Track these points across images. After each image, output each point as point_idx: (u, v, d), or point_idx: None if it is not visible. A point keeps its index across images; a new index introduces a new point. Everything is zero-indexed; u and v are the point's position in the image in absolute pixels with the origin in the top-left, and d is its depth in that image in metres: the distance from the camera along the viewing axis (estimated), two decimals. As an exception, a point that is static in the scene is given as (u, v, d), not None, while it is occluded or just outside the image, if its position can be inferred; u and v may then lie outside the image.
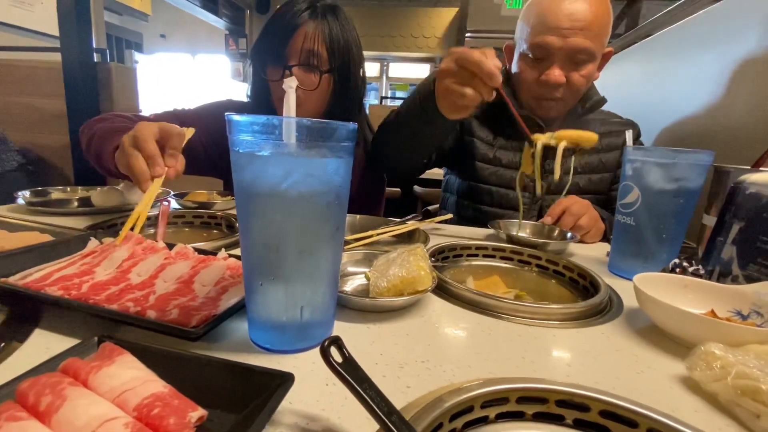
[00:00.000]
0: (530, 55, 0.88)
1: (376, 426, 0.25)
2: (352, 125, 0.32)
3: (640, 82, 1.33)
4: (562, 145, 0.65)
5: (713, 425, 0.29)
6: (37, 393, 0.22)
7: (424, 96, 0.72)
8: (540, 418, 0.29)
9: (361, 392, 0.24)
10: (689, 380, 0.34)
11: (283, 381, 0.26)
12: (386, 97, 5.63)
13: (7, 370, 0.30)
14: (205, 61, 6.93)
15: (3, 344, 0.33)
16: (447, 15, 5.78)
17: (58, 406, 0.22)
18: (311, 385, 0.30)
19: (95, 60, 1.96)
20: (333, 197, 0.32)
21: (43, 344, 0.34)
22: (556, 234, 0.76)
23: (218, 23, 5.99)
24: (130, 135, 0.57)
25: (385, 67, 6.27)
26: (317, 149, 0.31)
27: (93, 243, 0.52)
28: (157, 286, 0.41)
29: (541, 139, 0.67)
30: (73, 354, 0.27)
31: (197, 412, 0.23)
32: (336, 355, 0.25)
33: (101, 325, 0.36)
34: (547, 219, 0.80)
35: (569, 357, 0.37)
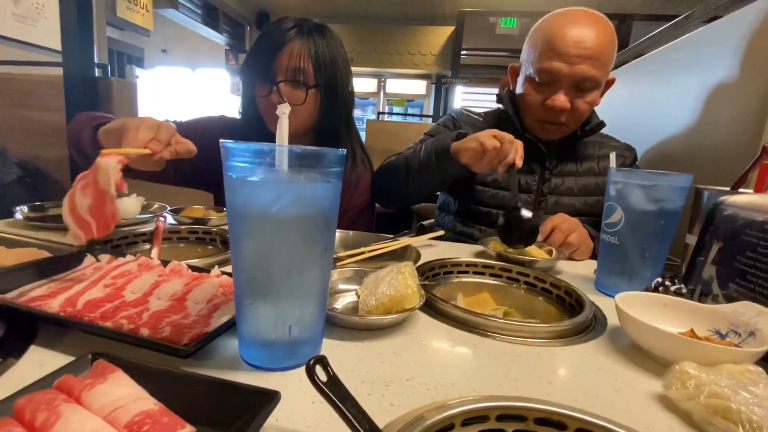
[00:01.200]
0: (536, 79, 0.89)
1: (359, 443, 0.26)
2: (341, 152, 0.34)
3: (627, 103, 1.36)
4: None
5: (685, 442, 0.30)
6: (32, 410, 0.23)
7: (439, 147, 0.82)
8: (519, 435, 0.30)
9: (344, 410, 0.25)
10: (665, 398, 0.35)
11: (269, 399, 0.27)
12: (383, 113, 5.70)
13: (2, 386, 0.31)
14: (205, 76, 7.02)
15: (2, 359, 0.34)
16: (443, 33, 5.91)
17: (53, 422, 0.23)
18: (298, 403, 0.31)
19: (96, 75, 2.00)
20: (321, 220, 0.34)
21: (37, 360, 0.35)
22: (545, 251, 0.78)
23: (219, 39, 6.10)
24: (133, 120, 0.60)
25: (382, 83, 6.37)
26: (307, 174, 0.33)
27: (88, 259, 0.53)
28: (150, 303, 0.42)
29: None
30: (67, 371, 0.28)
31: (186, 430, 0.24)
32: (321, 373, 0.26)
33: (95, 342, 0.37)
34: (539, 237, 0.82)
35: (551, 375, 0.38)
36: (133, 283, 0.45)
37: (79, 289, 0.44)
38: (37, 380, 0.27)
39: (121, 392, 0.26)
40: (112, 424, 0.23)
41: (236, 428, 0.26)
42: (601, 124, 0.97)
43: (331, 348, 0.40)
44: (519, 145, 0.71)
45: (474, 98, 6.38)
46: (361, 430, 0.24)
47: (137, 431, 0.23)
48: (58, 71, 1.92)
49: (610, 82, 0.93)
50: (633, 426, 0.30)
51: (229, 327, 0.38)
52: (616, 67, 1.55)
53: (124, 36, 5.43)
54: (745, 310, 0.43)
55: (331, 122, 0.92)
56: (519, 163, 0.72)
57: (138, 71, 3.00)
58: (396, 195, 0.99)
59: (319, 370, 0.26)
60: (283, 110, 0.39)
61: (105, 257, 0.53)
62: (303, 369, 0.34)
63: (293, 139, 0.81)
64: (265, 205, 0.32)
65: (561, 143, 0.98)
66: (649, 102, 1.21)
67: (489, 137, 0.73)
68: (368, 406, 0.26)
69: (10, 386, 0.30)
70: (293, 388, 0.33)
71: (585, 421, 0.30)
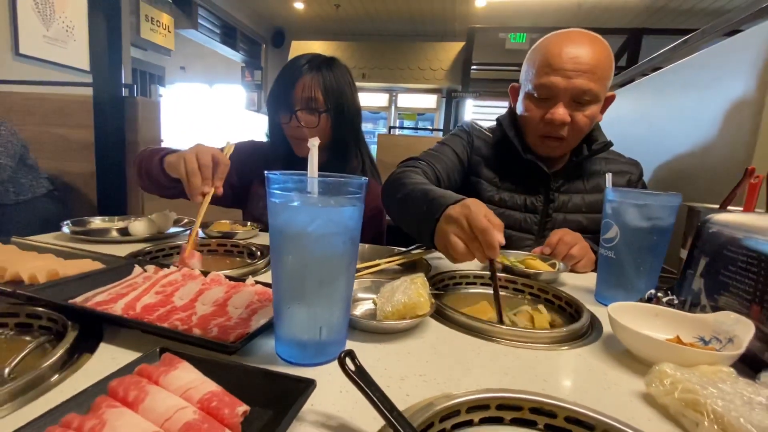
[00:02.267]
0: (535, 95, 0.93)
1: (380, 424, 0.32)
2: (363, 180, 0.40)
3: (634, 119, 1.41)
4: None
5: (658, 428, 0.35)
6: (125, 389, 0.30)
7: (423, 214, 0.70)
8: (516, 422, 0.36)
9: (370, 393, 0.30)
10: (647, 395, 0.40)
11: (307, 386, 0.33)
12: (395, 127, 5.80)
13: (85, 375, 0.38)
14: (221, 91, 7.28)
15: (77, 355, 0.41)
16: (453, 48, 6.04)
17: (143, 398, 0.29)
18: (328, 392, 0.37)
19: (124, 94, 2.12)
20: (348, 237, 0.40)
21: (109, 355, 0.41)
22: (549, 264, 0.82)
23: (235, 56, 6.33)
24: (191, 148, 0.75)
25: (394, 98, 6.50)
26: (336, 199, 0.39)
27: (137, 270, 0.60)
28: (197, 308, 0.48)
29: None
30: (143, 361, 0.34)
31: (243, 407, 0.30)
32: (350, 364, 0.32)
33: (154, 341, 0.43)
34: (546, 249, 0.86)
35: (547, 374, 0.43)
36: (180, 291, 0.52)
37: (135, 295, 0.51)
38: (121, 368, 0.34)
39: (190, 377, 0.32)
40: (187, 401, 0.29)
41: (281, 408, 0.31)
42: (609, 144, 1.00)
43: (353, 348, 0.45)
44: (490, 232, 0.55)
45: (484, 111, 6.47)
46: (383, 409, 0.30)
47: (207, 406, 0.29)
48: (87, 91, 2.05)
49: (610, 99, 0.97)
50: (615, 416, 0.35)
51: (267, 328, 0.44)
52: (626, 83, 1.61)
53: (146, 55, 5.70)
54: (725, 318, 0.48)
55: (341, 138, 1.07)
56: (493, 254, 0.57)
57: (161, 90, 3.15)
58: (400, 223, 0.87)
59: (348, 362, 0.32)
60: (313, 143, 0.46)
61: (151, 268, 0.60)
62: (331, 364, 0.41)
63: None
64: (302, 226, 0.38)
65: (566, 164, 1.02)
66: (653, 120, 1.26)
67: (455, 238, 0.60)
68: (387, 395, 0.32)
69: (91, 376, 0.36)
70: (323, 380, 0.38)
71: (572, 410, 0.35)
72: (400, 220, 0.85)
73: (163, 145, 2.20)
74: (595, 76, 0.88)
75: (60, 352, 0.39)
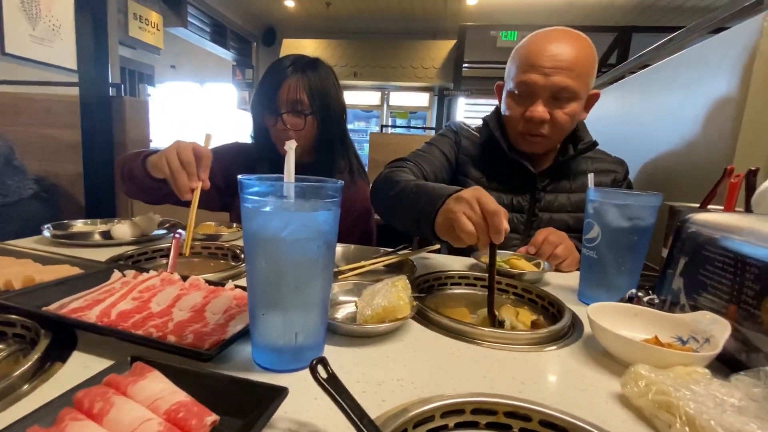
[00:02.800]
0: (516, 93, 0.94)
1: (353, 431, 0.32)
2: (339, 183, 0.40)
3: (620, 118, 1.42)
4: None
5: (632, 430, 0.35)
6: (90, 400, 0.29)
7: (422, 204, 0.70)
8: (491, 427, 0.36)
9: (341, 402, 0.30)
10: (623, 397, 0.40)
11: (279, 393, 0.32)
12: (386, 126, 5.79)
13: (55, 384, 0.37)
14: (212, 90, 7.20)
15: (48, 364, 0.40)
16: (445, 47, 6.03)
17: (108, 410, 0.28)
18: (303, 399, 0.37)
19: (111, 94, 2.09)
20: (323, 242, 0.40)
21: (81, 364, 0.40)
22: (534, 264, 0.82)
23: (226, 55, 6.27)
24: (170, 145, 0.73)
25: (386, 96, 6.48)
26: (310, 203, 0.39)
27: (116, 275, 0.59)
28: (174, 314, 0.48)
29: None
30: (112, 371, 0.34)
31: (212, 417, 0.30)
32: (322, 372, 0.32)
33: (129, 348, 0.43)
34: (531, 249, 0.87)
35: (524, 376, 0.43)
36: (158, 297, 0.51)
37: (111, 301, 0.50)
38: (88, 378, 0.33)
39: (158, 387, 0.31)
40: (154, 412, 0.29)
41: (252, 417, 0.31)
42: (594, 144, 1.00)
43: (331, 353, 0.45)
44: (499, 216, 0.56)
45: (476, 109, 6.48)
46: (353, 416, 0.29)
47: (174, 417, 0.29)
48: (74, 91, 2.02)
49: (594, 97, 0.97)
50: (590, 419, 0.35)
51: (243, 334, 0.44)
52: (614, 81, 1.61)
53: (135, 54, 5.62)
54: (703, 318, 0.48)
55: (328, 140, 1.07)
56: (498, 239, 0.57)
57: (149, 89, 3.12)
58: (392, 221, 0.88)
59: (320, 369, 0.32)
60: (290, 146, 0.45)
61: (130, 273, 0.60)
62: (307, 370, 0.40)
63: (299, 155, 0.91)
64: (276, 231, 0.37)
65: (552, 163, 1.03)
66: (639, 118, 1.27)
67: (464, 217, 0.59)
68: (362, 401, 0.31)
69: (62, 385, 0.36)
70: (299, 387, 0.38)
71: (547, 414, 0.35)
72: (393, 216, 0.85)
73: (152, 145, 2.18)
74: (574, 73, 0.88)
75: (31, 361, 0.38)
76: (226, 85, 6.82)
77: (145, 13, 4.73)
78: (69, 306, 0.49)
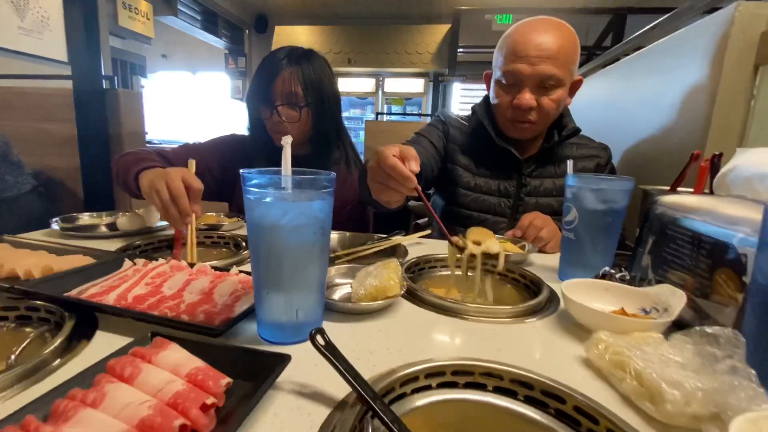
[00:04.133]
0: (503, 81, 0.98)
1: (348, 391, 0.37)
2: (332, 175, 0.44)
3: (605, 104, 1.46)
4: (479, 251, 0.65)
5: (590, 387, 0.40)
6: (121, 366, 0.34)
7: (363, 184, 0.76)
8: (468, 386, 0.41)
9: (336, 363, 0.35)
10: (586, 359, 0.45)
11: (283, 360, 0.37)
12: (382, 113, 5.78)
13: (83, 359, 0.42)
14: (205, 79, 7.13)
15: (75, 342, 0.45)
16: (439, 31, 5.98)
17: (137, 374, 0.33)
18: (304, 366, 0.42)
19: (104, 86, 2.10)
20: (318, 228, 0.44)
21: (105, 341, 0.45)
22: (519, 246, 0.88)
23: (218, 43, 6.19)
24: (158, 175, 0.74)
25: (380, 83, 6.45)
26: (306, 194, 0.43)
27: (127, 263, 0.64)
28: (185, 297, 0.53)
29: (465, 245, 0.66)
30: (136, 344, 0.39)
31: (226, 380, 0.35)
32: (320, 340, 0.37)
33: (147, 327, 0.47)
34: (517, 232, 0.92)
35: (501, 344, 0.49)
36: (169, 282, 0.56)
37: (126, 287, 0.55)
38: (116, 350, 0.38)
39: (178, 355, 0.36)
40: (176, 375, 0.34)
41: (260, 380, 0.36)
42: (577, 130, 1.05)
43: (329, 328, 0.50)
44: (410, 153, 0.60)
45: (471, 94, 6.46)
46: (349, 378, 0.34)
47: (194, 379, 0.33)
48: (67, 84, 2.02)
49: (577, 83, 1.01)
50: (555, 378, 0.40)
51: (249, 313, 0.49)
52: (607, 64, 1.64)
53: (126, 44, 5.55)
54: (664, 291, 0.53)
55: (323, 130, 1.09)
56: (413, 184, 0.59)
57: (143, 81, 3.11)
58: (367, 200, 0.90)
59: (319, 338, 0.37)
60: (286, 141, 0.49)
61: (140, 261, 0.64)
62: (307, 343, 0.45)
63: (295, 147, 0.96)
64: (275, 219, 0.42)
65: (538, 150, 1.07)
66: (623, 104, 1.31)
67: (379, 189, 0.65)
68: (356, 366, 0.36)
69: (90, 359, 0.40)
70: (300, 356, 0.43)
71: (516, 373, 0.40)
72: (367, 198, 0.86)
73: (148, 137, 2.20)
74: (559, 61, 0.92)
75: (60, 339, 0.43)
76: (218, 74, 6.75)
77: (135, 2, 4.66)
78: (87, 292, 0.53)
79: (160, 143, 2.43)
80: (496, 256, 0.64)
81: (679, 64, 0.99)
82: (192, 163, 0.81)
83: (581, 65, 1.83)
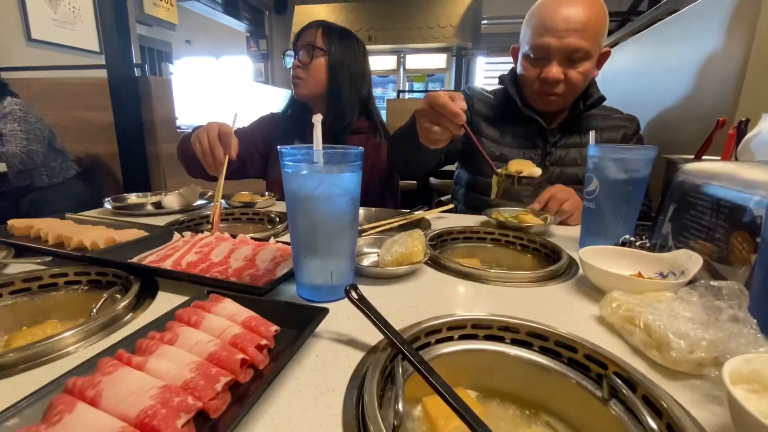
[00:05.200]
0: (531, 56, 0.99)
1: (379, 338, 0.42)
2: (360, 149, 0.48)
3: (633, 74, 1.41)
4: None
5: (603, 341, 0.44)
6: (187, 315, 0.40)
7: (409, 129, 0.85)
8: (487, 338, 0.45)
9: (369, 314, 0.40)
10: (600, 317, 0.48)
11: (321, 312, 0.43)
12: (403, 91, 5.71)
13: (151, 313, 0.49)
14: (228, 63, 7.23)
15: (142, 299, 0.52)
16: (462, 3, 5.76)
17: (201, 321, 0.39)
18: (339, 319, 0.47)
19: (136, 74, 2.19)
20: (349, 198, 0.48)
21: (167, 300, 0.52)
22: (542, 219, 0.89)
23: (239, 26, 6.23)
24: (202, 127, 0.89)
25: (402, 60, 6.34)
26: (338, 167, 0.47)
27: (176, 236, 0.71)
28: (231, 263, 0.59)
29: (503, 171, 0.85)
30: (196, 299, 0.45)
31: (275, 327, 0.40)
32: (354, 294, 0.41)
33: (201, 288, 0.54)
34: (536, 205, 0.94)
35: (519, 304, 0.52)
36: (215, 251, 0.62)
37: (179, 255, 0.61)
38: (180, 304, 0.44)
39: (234, 308, 0.42)
40: (234, 322, 0.40)
41: (302, 328, 0.41)
42: (602, 98, 1.04)
43: (360, 290, 0.55)
44: (457, 95, 0.70)
45: (496, 68, 6.26)
46: (381, 325, 0.39)
47: (249, 325, 0.39)
48: (101, 73, 2.12)
49: (605, 55, 1.01)
50: (570, 332, 0.43)
51: (289, 276, 0.54)
52: (639, 31, 1.58)
53: (152, 32, 5.68)
54: (682, 255, 0.55)
55: (337, 88, 1.15)
56: (461, 119, 0.69)
57: (170, 68, 3.19)
58: (399, 163, 1.06)
59: (353, 292, 0.41)
60: (317, 119, 0.53)
61: (188, 234, 0.71)
62: (341, 301, 0.51)
63: (310, 98, 1.15)
64: (311, 190, 0.47)
65: (564, 119, 1.07)
66: (651, 73, 1.27)
67: (429, 126, 0.73)
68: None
69: (157, 313, 0.47)
70: (335, 312, 0.48)
71: (531, 326, 0.44)
72: (400, 158, 1.00)
73: (177, 122, 2.31)
74: (587, 34, 0.91)
75: (130, 298, 0.50)
76: (241, 58, 6.82)
77: (158, -11, 4.73)
78: (146, 259, 0.60)
79: (189, 128, 2.53)
80: (537, 182, 0.82)
81: (711, 28, 0.95)
82: (236, 116, 0.92)
83: (612, 32, 1.76)
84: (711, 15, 0.97)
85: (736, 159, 0.67)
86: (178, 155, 1.12)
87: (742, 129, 0.66)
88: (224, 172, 0.86)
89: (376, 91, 6.83)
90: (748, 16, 0.79)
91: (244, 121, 1.26)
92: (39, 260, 0.61)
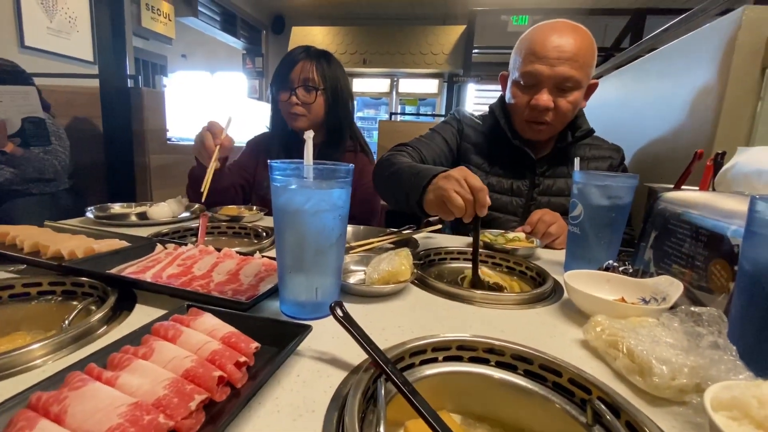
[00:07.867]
0: (522, 82, 1.00)
1: (363, 358, 0.41)
2: (350, 166, 0.48)
3: (618, 106, 1.47)
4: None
5: (586, 365, 0.44)
6: (164, 329, 0.39)
7: (413, 187, 0.80)
8: (472, 360, 0.44)
9: (354, 332, 0.39)
10: (584, 341, 0.48)
11: (305, 329, 0.42)
12: (396, 113, 5.81)
13: (127, 326, 0.47)
14: (223, 79, 7.29)
15: (118, 312, 0.50)
16: (455, 32, 5.98)
17: (179, 336, 0.38)
18: (322, 337, 0.46)
19: (129, 86, 2.19)
20: (337, 214, 0.48)
21: (144, 313, 0.50)
22: (529, 241, 0.90)
23: (236, 43, 6.32)
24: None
25: (395, 83, 6.48)
26: (327, 182, 0.48)
27: (159, 247, 0.69)
28: (214, 277, 0.57)
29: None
30: (175, 313, 0.43)
31: (255, 344, 0.39)
32: (339, 311, 0.41)
33: (180, 302, 0.52)
34: (526, 228, 0.95)
35: (504, 326, 0.52)
36: (198, 264, 0.61)
37: (161, 267, 0.60)
38: (158, 317, 0.43)
39: (214, 322, 0.41)
40: (213, 338, 0.38)
41: (284, 346, 0.40)
42: (591, 131, 1.06)
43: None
44: (484, 193, 0.68)
45: (486, 95, 6.45)
46: (365, 344, 0.39)
47: (228, 341, 0.38)
48: (93, 83, 2.12)
49: (593, 86, 1.03)
50: (555, 356, 0.43)
51: (272, 292, 0.53)
52: (622, 65, 1.64)
53: (148, 45, 5.72)
54: (663, 281, 0.56)
55: (335, 118, 1.22)
56: (483, 212, 0.69)
57: (164, 80, 3.21)
58: (388, 199, 1.01)
59: (338, 309, 0.41)
60: (308, 135, 0.53)
61: (171, 246, 0.69)
62: (326, 319, 0.50)
63: (309, 129, 1.10)
64: (299, 204, 0.46)
65: (552, 150, 1.09)
66: (633, 106, 1.32)
67: (455, 194, 0.69)
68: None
69: (132, 327, 0.45)
70: (319, 329, 0.47)
71: (516, 349, 0.43)
72: (389, 194, 0.97)
73: (168, 134, 2.32)
74: (577, 64, 0.94)
75: (105, 310, 0.48)
76: (236, 74, 6.89)
77: (157, 3, 4.80)
78: (126, 271, 0.59)
79: (179, 140, 2.54)
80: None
81: (689, 65, 1.00)
82: (230, 120, 1.01)
83: (597, 65, 1.83)
84: (689, 53, 1.02)
85: (714, 189, 0.69)
86: (191, 186, 1.17)
87: (719, 161, 0.69)
88: (215, 158, 0.97)
89: (369, 113, 6.95)
90: (724, 55, 0.84)
91: (237, 134, 1.27)
92: (12, 268, 0.59)
